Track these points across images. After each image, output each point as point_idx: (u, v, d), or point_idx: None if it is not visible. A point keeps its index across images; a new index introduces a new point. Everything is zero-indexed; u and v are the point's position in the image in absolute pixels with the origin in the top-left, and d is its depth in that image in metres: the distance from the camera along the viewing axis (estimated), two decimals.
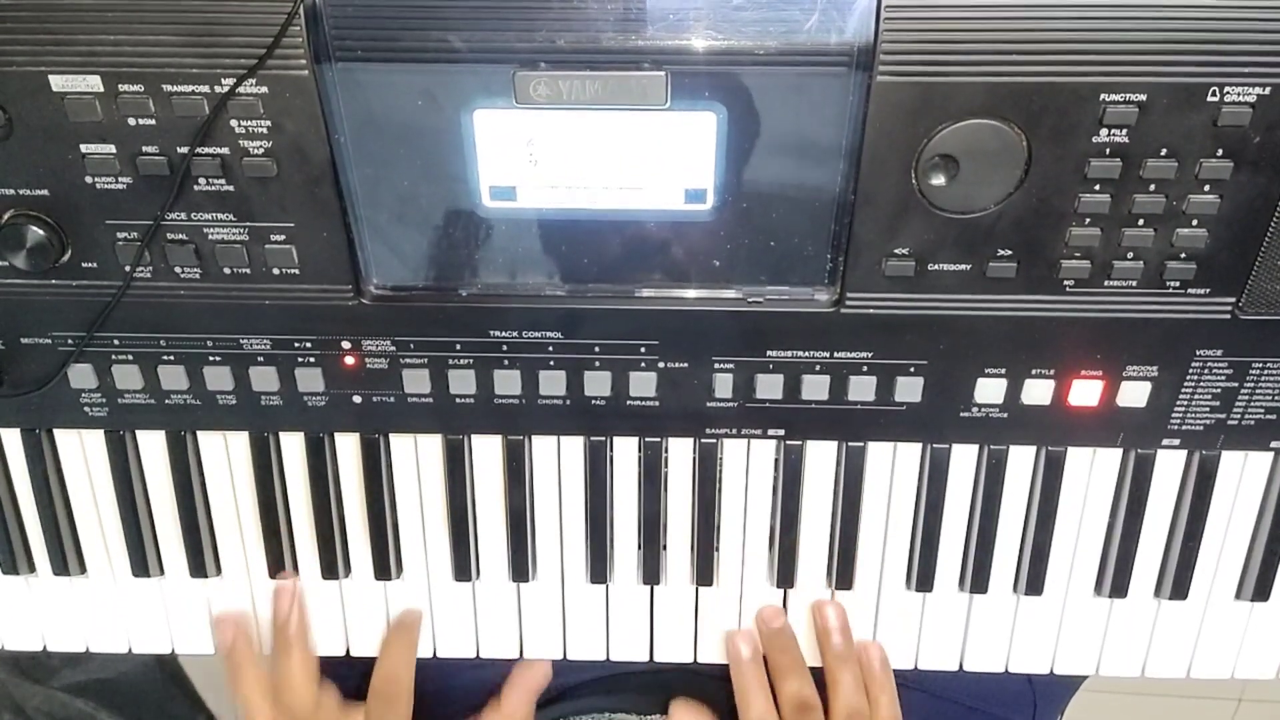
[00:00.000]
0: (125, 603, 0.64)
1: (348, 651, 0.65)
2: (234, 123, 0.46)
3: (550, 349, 0.53)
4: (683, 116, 0.46)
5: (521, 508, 0.59)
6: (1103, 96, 0.44)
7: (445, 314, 0.52)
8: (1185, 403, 0.54)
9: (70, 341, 0.54)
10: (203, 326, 0.53)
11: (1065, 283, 0.50)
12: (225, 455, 0.59)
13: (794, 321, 0.52)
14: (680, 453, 0.59)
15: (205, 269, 0.51)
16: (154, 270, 0.51)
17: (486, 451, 0.59)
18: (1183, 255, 0.49)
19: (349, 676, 0.64)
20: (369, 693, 0.61)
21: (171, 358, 0.54)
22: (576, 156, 0.47)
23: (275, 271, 0.51)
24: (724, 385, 0.54)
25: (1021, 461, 0.58)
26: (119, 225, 0.49)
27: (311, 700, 0.60)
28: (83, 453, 0.59)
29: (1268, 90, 0.44)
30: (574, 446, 0.58)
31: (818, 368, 0.54)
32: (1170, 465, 0.58)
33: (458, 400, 0.55)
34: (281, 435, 0.59)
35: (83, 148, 0.47)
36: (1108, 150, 0.46)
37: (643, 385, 0.54)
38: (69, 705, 0.80)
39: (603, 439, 0.58)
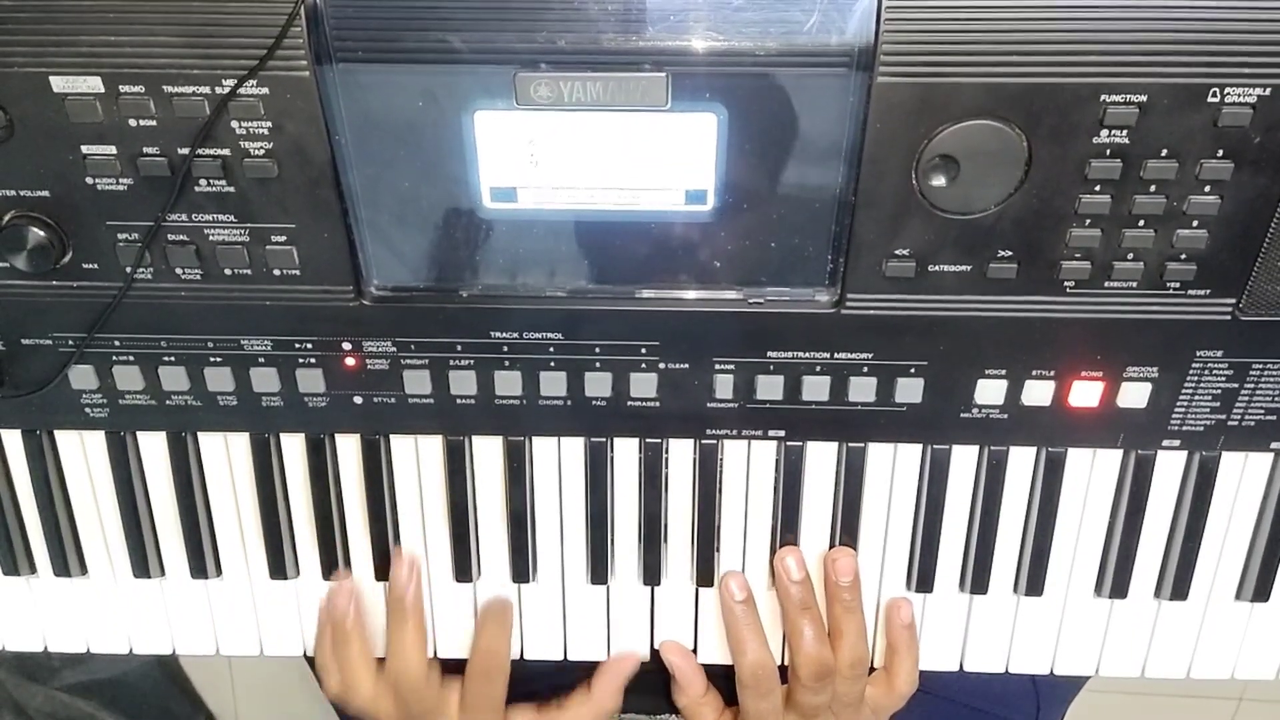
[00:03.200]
0: (126, 603, 0.64)
1: None
2: (235, 124, 0.46)
3: (551, 350, 0.53)
4: (683, 117, 0.46)
5: (522, 508, 0.59)
6: (1103, 97, 0.44)
7: (446, 315, 0.52)
8: (1185, 404, 0.54)
9: (71, 342, 0.54)
10: (203, 327, 0.53)
11: (1065, 284, 0.50)
12: (226, 456, 0.59)
13: (794, 322, 0.52)
14: (681, 454, 0.59)
15: (206, 270, 0.51)
16: (155, 271, 0.51)
17: (487, 452, 0.59)
18: (1183, 256, 0.49)
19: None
20: (467, 670, 0.61)
21: (172, 359, 0.54)
22: (577, 158, 0.47)
23: (276, 272, 0.51)
24: (724, 386, 0.54)
25: (1022, 462, 0.58)
26: (120, 226, 0.49)
27: (423, 671, 0.60)
28: (83, 453, 0.59)
29: (1268, 91, 0.44)
30: (575, 447, 0.58)
31: (818, 369, 0.54)
32: (1170, 466, 0.58)
33: (458, 401, 0.55)
34: (282, 436, 0.59)
35: (83, 149, 0.47)
36: (1108, 151, 0.46)
37: (643, 386, 0.54)
38: (70, 705, 0.80)
39: (603, 440, 0.58)
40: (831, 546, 0.60)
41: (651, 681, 0.67)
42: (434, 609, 0.63)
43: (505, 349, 0.53)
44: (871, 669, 0.62)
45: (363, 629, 0.61)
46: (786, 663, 0.62)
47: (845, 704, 0.60)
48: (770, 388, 0.54)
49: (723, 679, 0.64)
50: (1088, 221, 0.48)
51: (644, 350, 0.53)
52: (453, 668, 0.64)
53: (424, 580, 0.62)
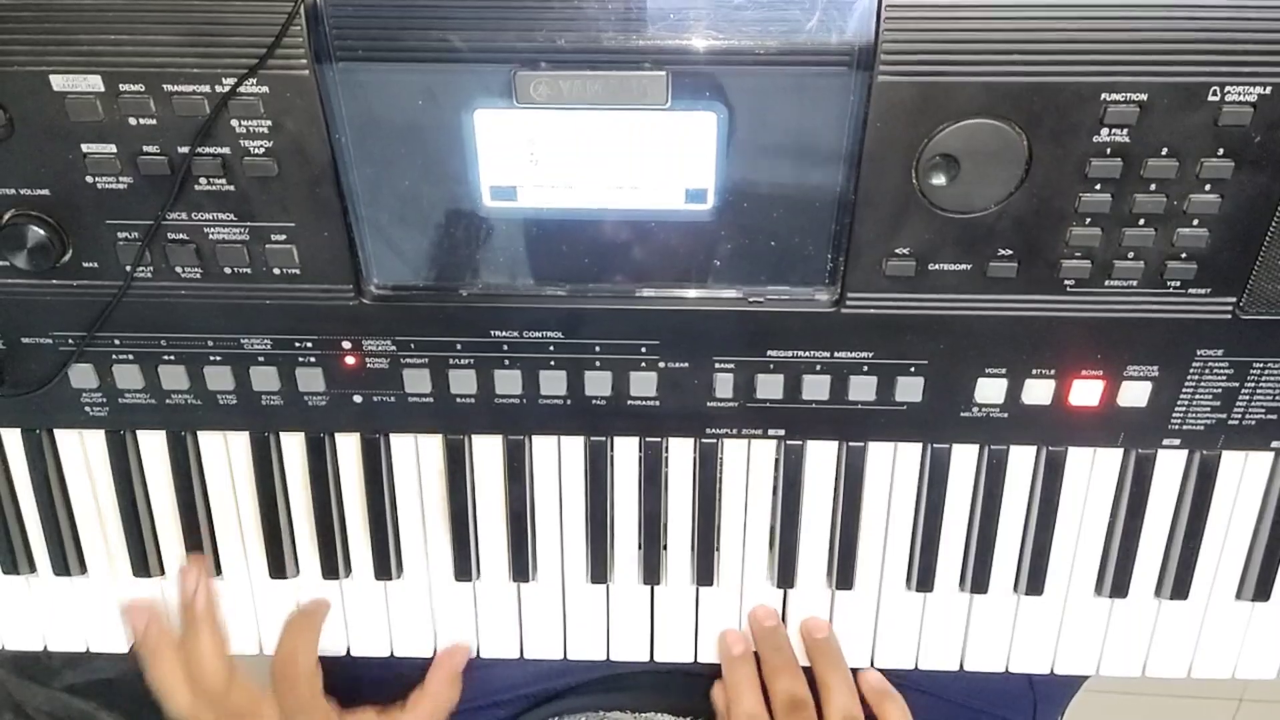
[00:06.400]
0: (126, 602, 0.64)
1: (348, 651, 0.65)
2: (235, 122, 0.46)
3: (551, 349, 0.53)
4: (683, 116, 0.46)
5: (522, 508, 0.59)
6: (1103, 96, 0.44)
7: (446, 314, 0.52)
8: (1186, 403, 0.54)
9: (71, 341, 0.54)
10: (203, 326, 0.53)
11: (1066, 282, 0.50)
12: (226, 455, 0.59)
13: (795, 321, 0.52)
14: (681, 453, 0.59)
15: (206, 269, 0.51)
16: (155, 270, 0.51)
17: (487, 451, 0.59)
18: (1183, 255, 0.49)
19: (388, 679, 0.64)
20: (270, 675, 0.61)
21: (172, 357, 0.54)
22: (577, 156, 0.47)
23: (276, 271, 0.51)
24: (724, 385, 0.54)
25: (1022, 461, 0.58)
26: (120, 225, 0.49)
27: (223, 678, 0.59)
28: (83, 452, 0.59)
29: (1268, 90, 0.44)
30: (575, 446, 0.58)
31: (818, 367, 0.54)
32: (1171, 465, 0.58)
33: (458, 400, 0.55)
34: (282, 435, 0.59)
35: (84, 147, 0.47)
36: (1108, 150, 0.46)
37: (643, 385, 0.54)
38: (70, 705, 0.80)
39: (603, 439, 0.58)
40: (831, 546, 0.60)
41: (644, 681, 0.67)
42: (434, 609, 0.63)
43: (505, 348, 0.53)
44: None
45: (213, 616, 0.60)
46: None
47: None
48: (770, 387, 0.54)
49: (719, 680, 0.64)
50: (1088, 220, 0.48)
51: (644, 349, 0.53)
52: (414, 680, 0.64)
53: (424, 580, 0.62)
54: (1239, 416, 0.55)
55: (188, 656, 0.60)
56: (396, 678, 0.64)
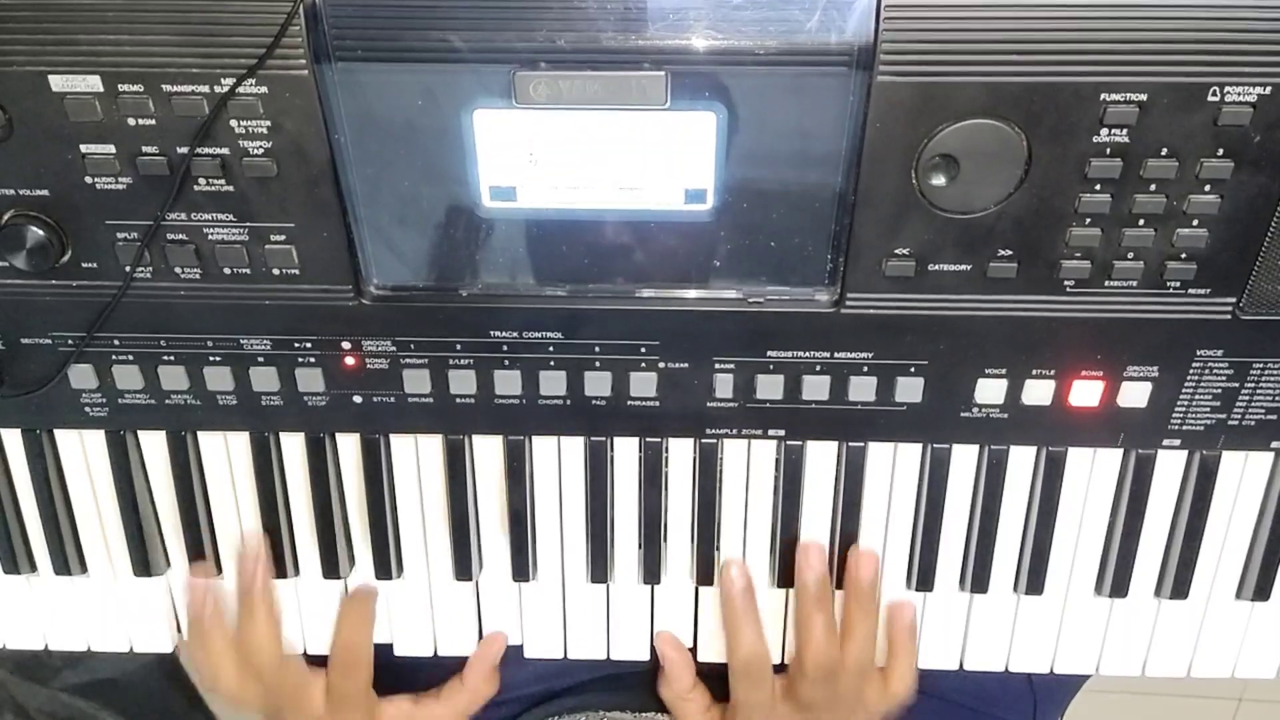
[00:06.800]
0: (126, 602, 0.64)
1: None
2: (234, 123, 0.46)
3: (551, 349, 0.53)
4: (683, 116, 0.46)
5: (522, 508, 0.59)
6: (1103, 96, 0.44)
7: (445, 314, 0.52)
8: (1186, 403, 0.54)
9: (70, 342, 0.54)
10: (203, 327, 0.53)
11: (1065, 283, 0.50)
12: (226, 455, 0.59)
13: (794, 322, 0.52)
14: (681, 453, 0.59)
15: (205, 269, 0.51)
16: (154, 270, 0.51)
17: (487, 451, 0.59)
18: (1183, 255, 0.49)
19: (417, 671, 0.65)
20: (329, 663, 0.62)
21: (172, 358, 0.54)
22: (576, 156, 0.47)
23: (275, 272, 0.51)
24: (724, 385, 0.54)
25: (1022, 462, 0.58)
26: (119, 225, 0.49)
27: (277, 657, 0.60)
28: (83, 453, 0.59)
29: (1268, 90, 0.44)
30: (574, 447, 0.58)
31: (818, 368, 0.54)
32: (1171, 465, 0.58)
33: (458, 400, 0.55)
34: (282, 435, 0.59)
35: (83, 148, 0.47)
36: (1108, 150, 0.46)
37: (643, 385, 0.54)
38: (70, 705, 0.80)
39: (603, 439, 0.58)
40: (831, 546, 0.60)
41: (644, 680, 0.67)
42: (435, 609, 0.63)
43: (505, 348, 0.53)
44: None
45: (271, 598, 0.61)
46: (783, 658, 0.62)
47: (843, 701, 0.60)
48: (770, 387, 0.54)
49: (715, 679, 0.63)
50: (1088, 221, 0.48)
51: (644, 349, 0.53)
52: (453, 667, 0.64)
53: (425, 580, 0.62)
54: (1239, 417, 0.55)
55: (243, 635, 0.60)
56: (434, 665, 0.65)
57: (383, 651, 0.64)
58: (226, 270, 0.51)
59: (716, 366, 0.54)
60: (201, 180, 0.48)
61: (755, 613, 0.60)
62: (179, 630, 0.65)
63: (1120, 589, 0.60)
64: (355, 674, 0.61)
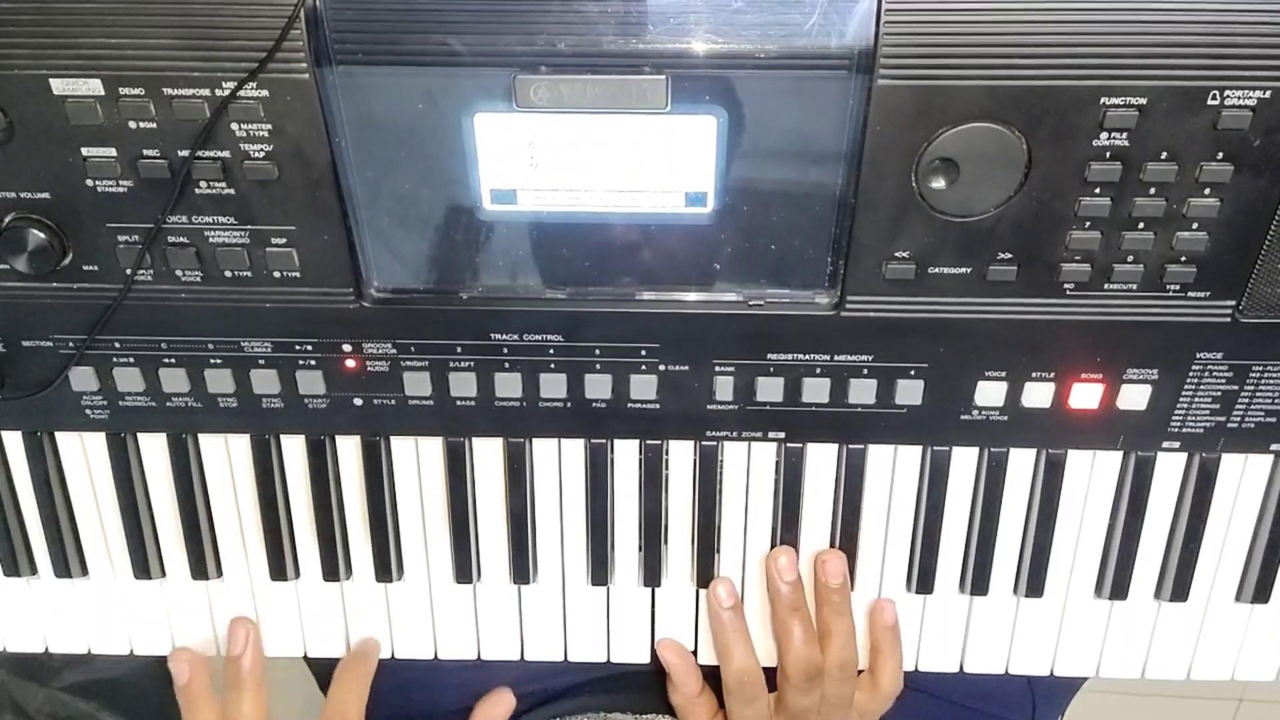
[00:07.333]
0: (126, 604, 0.64)
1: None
2: (235, 126, 0.46)
3: (551, 352, 0.53)
4: (683, 120, 0.46)
5: (522, 510, 0.60)
6: (1103, 100, 0.44)
7: (446, 317, 0.52)
8: (1185, 406, 0.54)
9: (71, 344, 0.54)
10: (204, 329, 0.53)
11: (1065, 286, 0.50)
12: (226, 457, 0.59)
13: (794, 324, 0.52)
14: (681, 455, 0.59)
15: (206, 272, 0.51)
16: (155, 273, 0.51)
17: (487, 454, 0.59)
18: (1183, 258, 0.49)
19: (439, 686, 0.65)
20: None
21: (172, 360, 0.54)
22: (577, 160, 0.47)
23: (276, 274, 0.51)
24: (725, 388, 0.54)
25: (1022, 464, 0.58)
26: (120, 228, 0.49)
27: None
28: (84, 455, 0.60)
29: (1268, 94, 0.44)
30: (575, 449, 0.58)
31: (818, 370, 0.54)
32: (1170, 468, 0.58)
33: (459, 403, 0.55)
34: (283, 438, 0.59)
35: (84, 151, 0.47)
36: (1108, 153, 0.46)
37: (643, 388, 0.54)
38: (70, 706, 0.80)
39: (604, 442, 0.58)
40: (832, 548, 0.60)
41: (644, 682, 0.67)
42: (435, 611, 0.63)
43: (505, 351, 0.53)
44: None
45: (259, 675, 0.61)
46: (774, 666, 0.62)
47: (833, 705, 0.61)
48: (770, 390, 0.54)
49: (717, 681, 0.63)
50: (1087, 224, 0.48)
51: (644, 352, 0.53)
52: (445, 667, 0.64)
53: (425, 582, 0.62)
54: (1238, 419, 0.55)
55: (226, 711, 0.60)
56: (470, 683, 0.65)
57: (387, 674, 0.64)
58: (227, 273, 0.51)
59: (717, 369, 0.54)
60: (202, 183, 0.48)
61: (744, 630, 0.61)
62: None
63: (1120, 591, 0.61)
64: None
